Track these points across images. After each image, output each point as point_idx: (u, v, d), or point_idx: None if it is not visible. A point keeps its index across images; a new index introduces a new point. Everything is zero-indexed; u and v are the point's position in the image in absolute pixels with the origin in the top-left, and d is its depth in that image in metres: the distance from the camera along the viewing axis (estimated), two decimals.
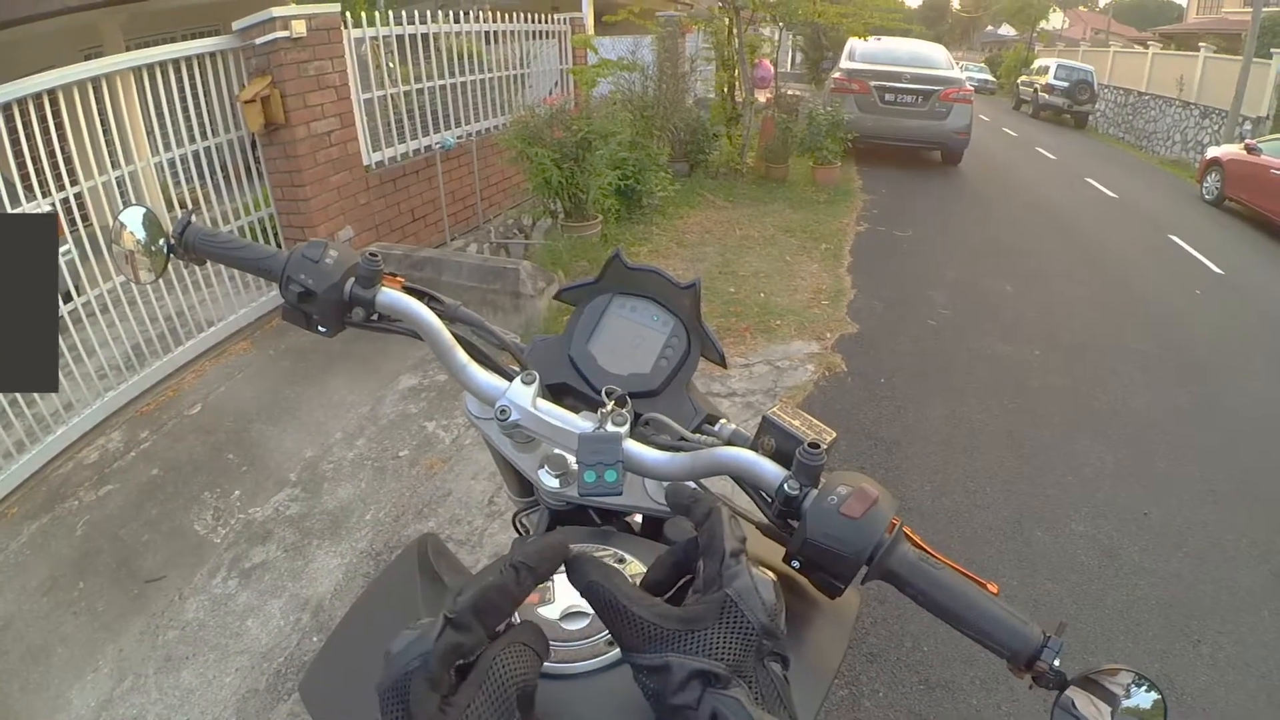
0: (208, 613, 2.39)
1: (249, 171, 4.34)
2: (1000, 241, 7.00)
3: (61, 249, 3.30)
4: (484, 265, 4.32)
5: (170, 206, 4.08)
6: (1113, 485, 3.23)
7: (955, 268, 6.00)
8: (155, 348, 3.79)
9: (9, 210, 3.14)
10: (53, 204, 3.27)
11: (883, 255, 6.09)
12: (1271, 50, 13.84)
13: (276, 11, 4.06)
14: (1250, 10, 15.00)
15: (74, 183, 3.41)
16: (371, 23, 4.73)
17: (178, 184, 4.01)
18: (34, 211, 3.16)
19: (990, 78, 29.46)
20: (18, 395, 3.11)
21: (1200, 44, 17.41)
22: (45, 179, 3.27)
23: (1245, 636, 2.44)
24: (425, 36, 5.22)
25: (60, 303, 3.29)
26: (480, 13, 5.94)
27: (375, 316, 0.80)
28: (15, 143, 3.19)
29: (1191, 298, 6.05)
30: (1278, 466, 3.58)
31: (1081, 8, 51.18)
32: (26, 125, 3.21)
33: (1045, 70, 21.07)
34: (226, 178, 4.23)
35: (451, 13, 5.55)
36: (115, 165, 3.64)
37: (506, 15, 6.20)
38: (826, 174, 8.26)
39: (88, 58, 7.63)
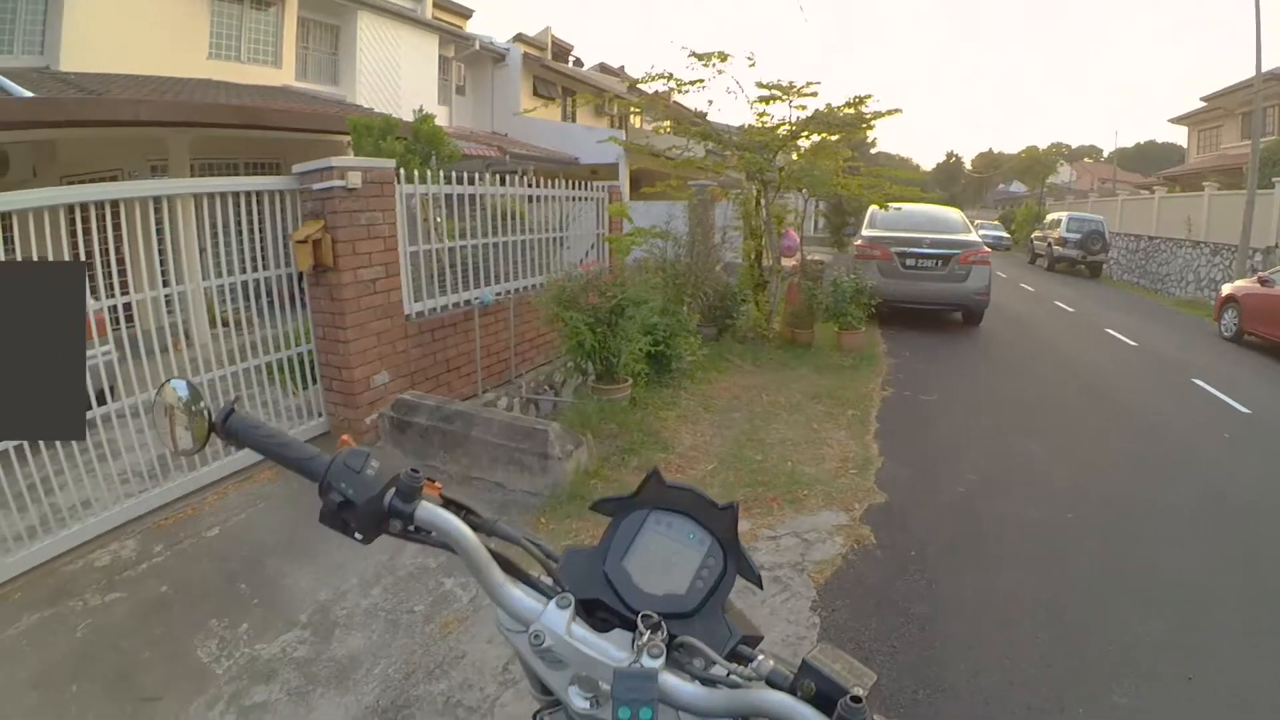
0: None
1: (293, 303, 4.49)
2: (1025, 400, 7.02)
3: (101, 349, 3.43)
4: (514, 424, 4.32)
5: (213, 324, 4.24)
6: (1156, 653, 3.05)
7: (982, 430, 6.01)
8: (180, 462, 3.79)
9: None
10: (102, 309, 3.45)
11: (909, 420, 6.12)
12: (1273, 180, 14.20)
13: (336, 161, 4.34)
14: (1249, 143, 15.44)
15: (124, 291, 3.57)
16: (424, 180, 5.01)
17: (223, 304, 4.19)
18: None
19: (1005, 234, 30.34)
20: (37, 482, 3.13)
21: (1204, 183, 17.90)
22: (97, 284, 3.42)
23: None
24: (472, 196, 5.52)
25: (94, 401, 3.40)
26: (525, 177, 6.36)
27: (413, 528, 0.82)
28: (75, 245, 3.38)
29: (1221, 442, 5.96)
30: None
31: (1087, 159, 53.41)
32: (87, 231, 3.42)
33: (1057, 223, 21.52)
34: (271, 305, 4.39)
35: (498, 175, 5.92)
36: (167, 283, 3.82)
37: (549, 180, 6.60)
38: (851, 339, 8.39)
39: (154, 167, 8.27)
